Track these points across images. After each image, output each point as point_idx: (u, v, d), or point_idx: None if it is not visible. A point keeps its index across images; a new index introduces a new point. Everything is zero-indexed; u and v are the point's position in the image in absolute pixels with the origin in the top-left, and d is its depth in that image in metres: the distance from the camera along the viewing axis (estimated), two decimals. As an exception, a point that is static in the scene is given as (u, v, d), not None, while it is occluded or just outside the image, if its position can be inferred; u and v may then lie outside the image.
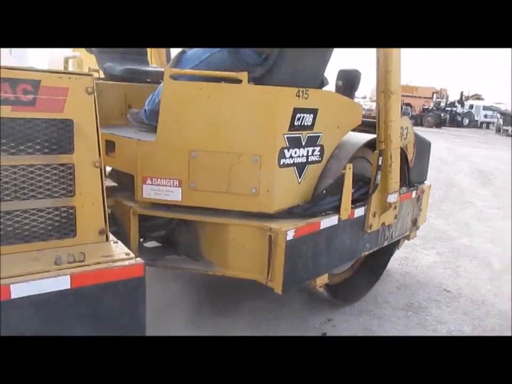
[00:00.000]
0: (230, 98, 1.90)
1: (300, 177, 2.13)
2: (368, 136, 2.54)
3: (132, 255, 1.38)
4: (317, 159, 2.23)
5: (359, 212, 2.40)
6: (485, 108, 24.76)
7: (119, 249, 1.44)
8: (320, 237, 2.10)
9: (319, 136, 2.20)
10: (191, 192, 1.96)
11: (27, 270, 1.20)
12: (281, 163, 1.98)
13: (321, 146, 2.24)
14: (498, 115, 21.76)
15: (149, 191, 1.98)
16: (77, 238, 1.42)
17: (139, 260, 1.35)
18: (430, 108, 27.96)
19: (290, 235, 1.87)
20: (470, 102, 13.93)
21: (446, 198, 6.13)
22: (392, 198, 2.55)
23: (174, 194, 1.96)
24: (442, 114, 26.29)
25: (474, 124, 26.39)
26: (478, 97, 12.43)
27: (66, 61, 2.49)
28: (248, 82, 1.86)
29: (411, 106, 26.98)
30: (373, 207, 2.48)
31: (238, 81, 1.86)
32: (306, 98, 2.02)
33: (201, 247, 2.13)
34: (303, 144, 2.10)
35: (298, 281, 2.03)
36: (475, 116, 24.84)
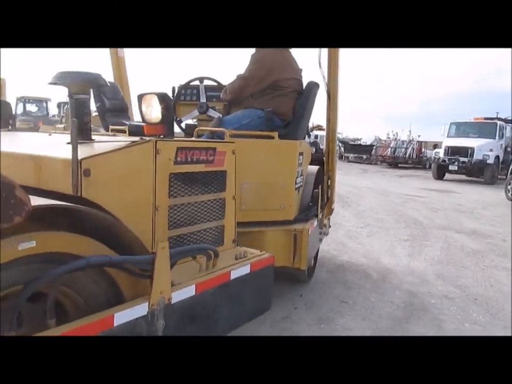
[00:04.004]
0: (267, 148, 2.92)
1: (299, 196, 3.27)
2: (315, 167, 3.87)
3: (262, 252, 2.26)
4: (301, 185, 3.41)
5: (320, 216, 3.69)
6: None
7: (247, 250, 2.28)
8: (316, 231, 3.29)
9: (303, 169, 3.39)
10: (242, 212, 2.85)
11: (229, 262, 1.99)
12: (295, 188, 3.09)
13: (302, 176, 3.43)
14: (340, 144, 23.93)
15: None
16: (224, 245, 2.21)
17: (270, 254, 2.25)
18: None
19: (310, 231, 2.99)
20: (315, 132, 16.90)
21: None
22: (334, 206, 3.94)
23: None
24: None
25: (320, 152, 31.10)
26: (320, 128, 15.43)
27: None
28: (278, 138, 2.92)
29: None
30: (326, 213, 3.80)
31: (271, 137, 2.90)
32: (301, 146, 3.19)
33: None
34: (300, 175, 3.25)
35: (310, 260, 3.16)
36: (320, 145, 29.40)
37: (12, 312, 1.27)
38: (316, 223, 3.35)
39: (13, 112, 2.73)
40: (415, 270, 4.48)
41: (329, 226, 4.30)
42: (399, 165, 21.88)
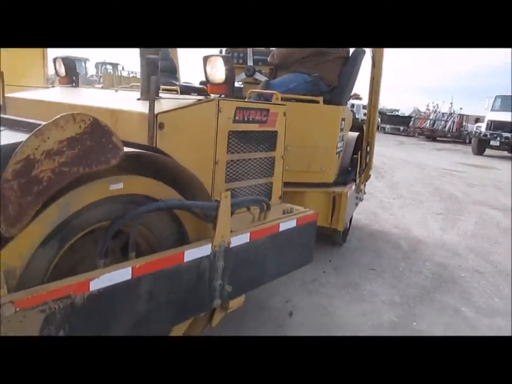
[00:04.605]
0: (311, 112, 3.01)
1: (339, 160, 3.37)
2: (355, 134, 3.92)
3: (306, 209, 2.42)
4: (341, 149, 3.50)
5: (357, 181, 3.79)
6: (364, 107, 28.99)
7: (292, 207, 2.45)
8: (353, 195, 3.41)
9: (344, 134, 3.47)
10: (285, 173, 3.00)
11: (278, 216, 2.17)
12: (336, 152, 3.18)
13: (343, 141, 3.51)
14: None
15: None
16: (271, 201, 2.38)
17: (314, 211, 2.41)
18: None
19: (348, 194, 3.12)
20: (351, 101, 16.48)
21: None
22: (371, 172, 4.01)
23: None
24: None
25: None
26: (357, 97, 15.00)
27: None
28: (323, 102, 3.00)
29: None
30: (363, 178, 3.89)
31: (316, 102, 2.98)
32: (344, 111, 3.26)
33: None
34: (341, 140, 3.34)
35: (346, 223, 3.31)
36: (356, 114, 28.78)
37: (102, 243, 1.50)
38: (353, 187, 3.46)
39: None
40: (446, 243, 4.50)
41: (364, 193, 4.39)
42: (438, 138, 21.10)
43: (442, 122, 21.06)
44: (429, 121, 21.49)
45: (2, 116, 1.53)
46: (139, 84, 2.11)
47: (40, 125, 1.22)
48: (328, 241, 3.80)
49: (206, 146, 1.91)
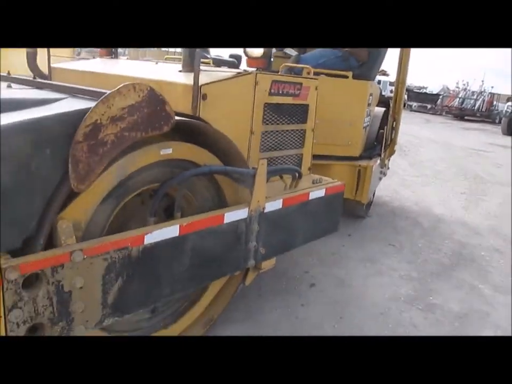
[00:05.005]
0: (340, 87, 3.07)
1: (365, 134, 3.43)
2: (382, 109, 3.94)
3: (334, 180, 2.53)
4: (368, 124, 3.55)
5: (382, 156, 3.84)
6: (391, 84, 28.30)
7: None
8: (377, 170, 3.49)
9: (371, 109, 3.51)
10: (313, 146, 3.10)
11: (308, 185, 2.29)
12: (363, 126, 3.25)
13: (369, 116, 3.55)
14: (404, 91, 24.35)
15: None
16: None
17: (341, 182, 2.51)
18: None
19: (373, 168, 3.20)
20: (378, 77, 16.09)
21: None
22: (396, 148, 4.05)
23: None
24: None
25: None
26: (384, 73, 14.63)
27: None
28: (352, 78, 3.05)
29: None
30: (387, 153, 3.94)
31: (346, 77, 3.03)
32: (372, 87, 3.29)
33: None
34: (368, 115, 3.39)
35: (370, 196, 3.40)
36: (382, 91, 27.94)
37: (153, 203, 1.66)
38: (378, 162, 3.53)
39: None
40: (468, 223, 4.50)
41: (388, 168, 4.44)
42: (466, 117, 20.43)
43: (472, 101, 20.39)
44: (458, 99, 20.82)
45: (64, 84, 1.68)
46: (172, 57, 2.22)
47: (104, 93, 1.36)
48: (351, 214, 3.88)
49: (243, 117, 2.03)
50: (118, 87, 1.34)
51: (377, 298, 2.72)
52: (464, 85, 21.83)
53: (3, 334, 1.25)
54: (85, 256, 1.36)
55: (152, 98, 1.42)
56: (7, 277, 1.20)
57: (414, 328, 2.43)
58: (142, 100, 1.40)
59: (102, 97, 1.31)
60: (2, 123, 1.18)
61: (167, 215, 1.84)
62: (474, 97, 20.47)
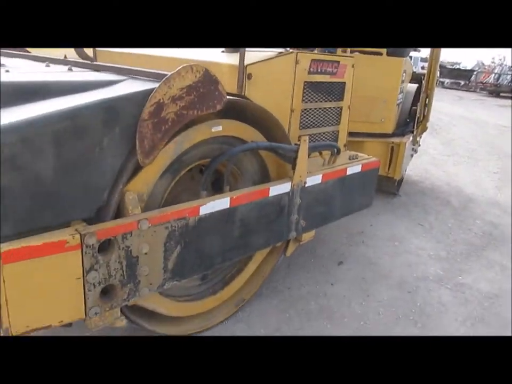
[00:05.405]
0: (374, 64, 3.09)
1: (398, 111, 3.45)
2: (415, 86, 3.92)
3: (369, 156, 2.59)
4: (401, 101, 3.55)
5: (414, 132, 3.85)
6: (422, 60, 27.25)
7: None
8: (409, 146, 3.52)
9: (404, 86, 3.50)
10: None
11: (345, 161, 2.36)
12: (396, 103, 3.26)
13: (402, 93, 3.55)
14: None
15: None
16: (336, 149, 2.58)
17: (376, 158, 2.57)
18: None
19: (406, 145, 3.23)
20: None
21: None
22: (428, 125, 4.03)
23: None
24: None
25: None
26: (415, 49, 14.25)
27: None
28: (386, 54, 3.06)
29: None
30: (420, 130, 3.94)
31: (380, 54, 3.04)
32: (405, 63, 3.29)
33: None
34: (401, 91, 3.39)
35: (403, 172, 3.45)
36: (414, 67, 26.83)
37: (205, 177, 1.79)
38: (410, 138, 3.54)
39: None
40: (500, 203, 4.41)
41: (419, 145, 4.42)
42: (501, 94, 19.53)
43: (508, 77, 19.49)
44: (493, 75, 19.98)
45: (121, 66, 1.80)
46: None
47: (160, 74, 1.47)
48: (382, 191, 3.91)
49: (284, 96, 2.11)
50: (178, 68, 1.45)
51: (405, 277, 2.75)
52: (500, 60, 20.94)
53: (82, 295, 1.41)
54: (150, 225, 1.51)
55: (207, 79, 1.53)
56: (86, 242, 1.35)
57: (442, 307, 2.46)
58: (198, 80, 1.50)
59: (163, 79, 1.42)
60: (79, 103, 1.32)
61: (215, 189, 1.97)
62: (511, 72, 19.56)
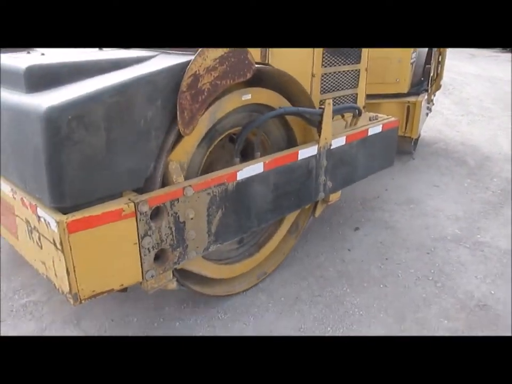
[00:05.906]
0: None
1: (412, 70, 3.46)
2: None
3: (389, 116, 2.64)
4: (414, 60, 3.55)
5: (429, 91, 3.86)
6: None
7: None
8: (425, 105, 3.56)
9: (417, 44, 3.50)
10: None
11: (366, 122, 2.43)
12: (411, 62, 3.27)
13: (416, 52, 3.55)
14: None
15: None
16: (356, 110, 2.63)
17: (396, 118, 2.62)
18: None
19: (422, 103, 3.27)
20: None
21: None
22: (442, 83, 4.03)
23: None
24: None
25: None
26: None
27: None
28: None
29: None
30: (434, 88, 3.95)
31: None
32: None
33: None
34: (414, 50, 3.39)
35: (419, 131, 3.50)
36: None
37: (237, 144, 1.87)
38: (425, 97, 3.57)
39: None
40: None
41: (433, 104, 4.42)
42: (517, 49, 18.95)
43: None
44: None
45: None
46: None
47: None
48: (399, 151, 3.80)
49: (305, 62, 2.16)
50: (211, 40, 1.51)
51: (422, 239, 2.73)
52: None
53: (139, 259, 1.54)
54: (194, 191, 1.61)
55: (237, 49, 1.59)
56: (140, 209, 1.46)
57: (461, 266, 2.46)
58: (229, 50, 1.57)
59: (198, 51, 1.49)
60: (124, 78, 1.40)
61: (244, 156, 2.06)
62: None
